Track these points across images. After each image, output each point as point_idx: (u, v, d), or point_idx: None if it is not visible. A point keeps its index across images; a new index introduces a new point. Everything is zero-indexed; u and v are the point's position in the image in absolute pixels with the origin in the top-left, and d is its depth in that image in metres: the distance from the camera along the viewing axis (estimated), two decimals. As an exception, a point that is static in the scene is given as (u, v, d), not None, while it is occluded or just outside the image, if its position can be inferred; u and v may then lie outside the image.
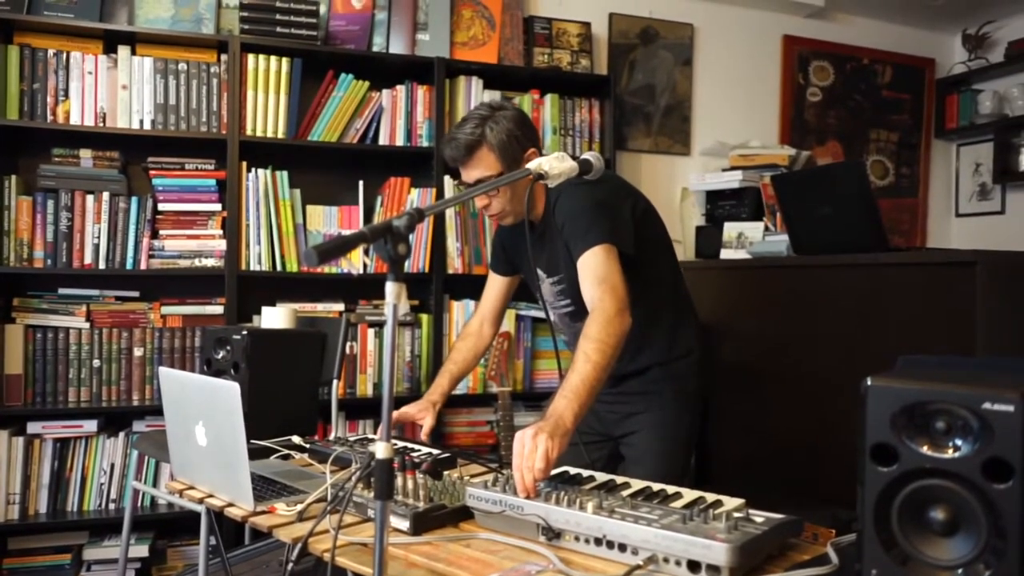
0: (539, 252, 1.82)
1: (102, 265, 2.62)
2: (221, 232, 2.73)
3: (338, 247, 0.99)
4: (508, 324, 2.96)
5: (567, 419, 1.37)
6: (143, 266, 2.66)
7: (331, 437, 1.91)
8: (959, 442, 0.88)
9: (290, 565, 1.43)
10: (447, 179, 2.93)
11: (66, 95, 2.61)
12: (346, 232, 2.86)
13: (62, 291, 2.67)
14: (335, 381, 2.51)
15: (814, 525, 1.21)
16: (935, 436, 0.89)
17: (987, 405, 0.85)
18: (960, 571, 0.88)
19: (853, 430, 0.95)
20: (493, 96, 3.04)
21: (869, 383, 0.93)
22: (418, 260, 2.90)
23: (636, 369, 1.80)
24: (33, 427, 2.56)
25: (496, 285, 2.04)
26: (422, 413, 1.87)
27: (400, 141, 2.93)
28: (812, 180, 2.64)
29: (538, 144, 1.78)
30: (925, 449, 0.90)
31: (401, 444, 1.77)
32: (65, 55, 2.60)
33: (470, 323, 2.07)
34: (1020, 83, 3.83)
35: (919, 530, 0.91)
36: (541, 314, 1.95)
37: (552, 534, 1.18)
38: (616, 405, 1.84)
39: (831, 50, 3.91)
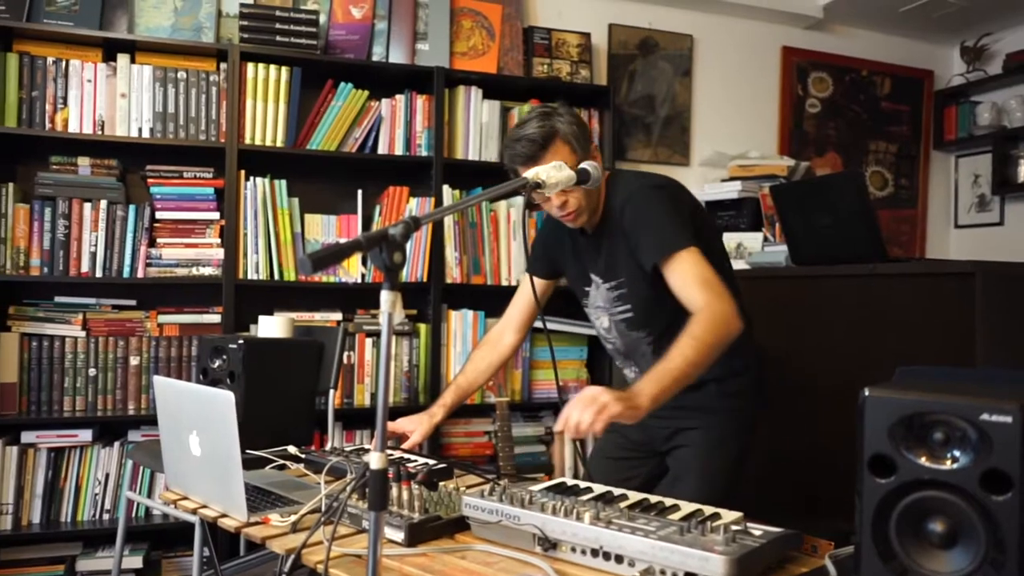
0: (595, 256, 1.76)
1: (99, 273, 2.61)
2: (219, 241, 2.73)
3: (333, 255, 0.99)
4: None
5: (643, 396, 1.35)
6: (140, 275, 2.65)
7: (327, 447, 1.90)
8: (957, 453, 0.87)
9: (283, 576, 1.42)
10: (446, 188, 2.93)
11: (65, 103, 2.61)
12: (343, 241, 2.86)
13: (58, 299, 2.66)
14: (331, 391, 2.50)
15: (813, 537, 1.20)
16: (933, 447, 0.89)
17: (985, 416, 0.85)
18: (959, 584, 0.87)
19: (852, 441, 0.94)
20: (493, 106, 3.05)
21: (867, 394, 0.92)
22: (416, 269, 2.90)
23: (692, 384, 1.69)
24: (27, 436, 2.55)
25: (527, 290, 1.90)
26: (412, 425, 1.82)
27: (399, 150, 2.94)
28: (811, 191, 2.64)
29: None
30: (923, 460, 0.89)
31: (397, 455, 1.76)
32: (64, 63, 2.61)
33: (491, 331, 1.98)
34: (1018, 95, 3.84)
35: (917, 542, 0.90)
36: (538, 324, 1.93)
37: (548, 545, 1.17)
38: (667, 420, 1.74)
39: (830, 61, 3.93)
